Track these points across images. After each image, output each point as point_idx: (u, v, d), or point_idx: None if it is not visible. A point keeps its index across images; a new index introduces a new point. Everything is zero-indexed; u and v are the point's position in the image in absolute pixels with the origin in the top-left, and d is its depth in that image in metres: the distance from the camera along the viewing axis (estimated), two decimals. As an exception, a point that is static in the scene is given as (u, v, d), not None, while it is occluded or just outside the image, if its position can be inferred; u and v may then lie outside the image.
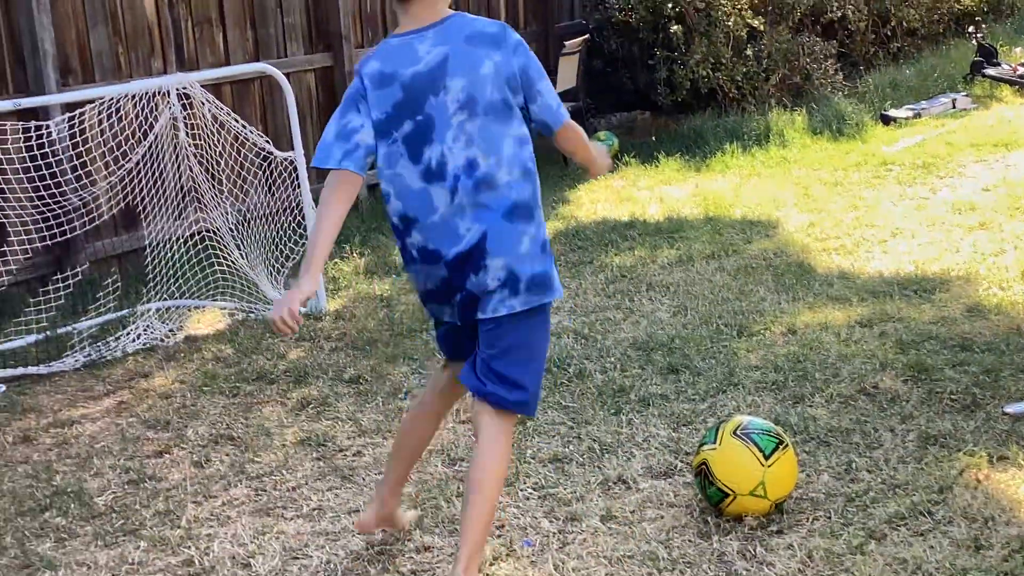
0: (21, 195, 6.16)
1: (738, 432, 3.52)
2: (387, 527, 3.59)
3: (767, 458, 3.45)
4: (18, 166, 6.16)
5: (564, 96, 9.88)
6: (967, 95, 11.63)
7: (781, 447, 3.49)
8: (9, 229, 6.04)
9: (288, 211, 6.50)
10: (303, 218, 6.29)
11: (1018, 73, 12.04)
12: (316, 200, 6.38)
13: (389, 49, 3.14)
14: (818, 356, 4.79)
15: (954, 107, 11.18)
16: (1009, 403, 4.15)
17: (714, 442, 3.53)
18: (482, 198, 3.10)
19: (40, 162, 6.09)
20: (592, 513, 3.63)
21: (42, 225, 6.09)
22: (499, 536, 3.53)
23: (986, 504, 3.44)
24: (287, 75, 6.70)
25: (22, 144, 6.08)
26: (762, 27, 10.72)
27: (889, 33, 13.15)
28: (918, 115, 10.85)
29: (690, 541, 3.41)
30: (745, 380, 4.61)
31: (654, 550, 3.35)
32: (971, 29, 13.52)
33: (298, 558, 3.52)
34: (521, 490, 3.84)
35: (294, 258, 6.41)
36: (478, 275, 3.08)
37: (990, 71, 12.13)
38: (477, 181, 3.09)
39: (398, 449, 3.55)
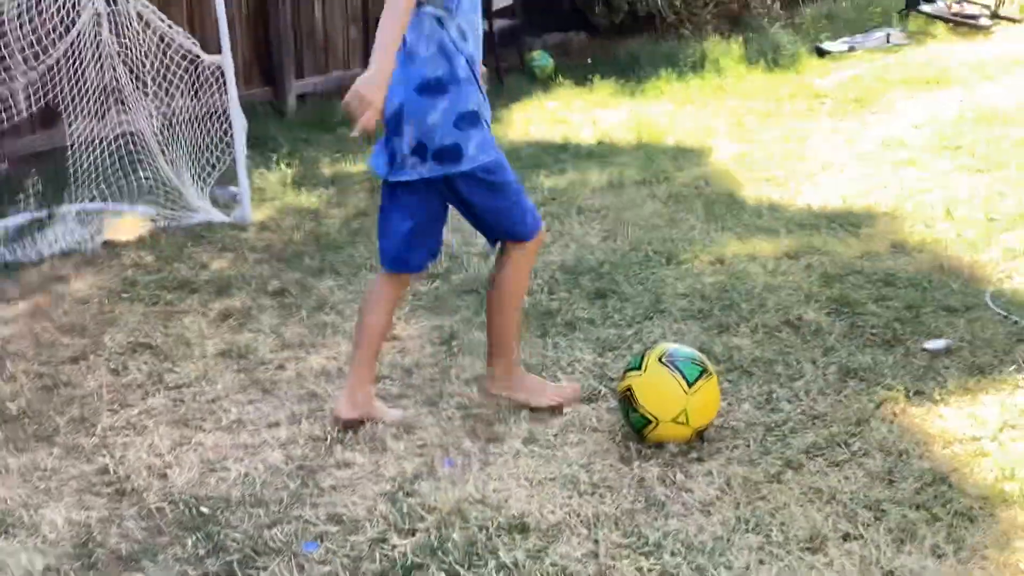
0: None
1: (663, 359, 3.53)
2: (368, 417, 3.69)
3: (690, 386, 3.47)
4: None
5: (500, 13, 9.87)
6: (902, 31, 11.71)
7: (705, 375, 3.51)
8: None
9: (214, 117, 6.38)
10: (230, 126, 6.17)
11: (952, 11, 12.13)
12: (245, 108, 6.32)
13: None
14: (744, 286, 4.82)
15: (888, 42, 11.25)
16: (928, 339, 4.21)
17: (639, 368, 3.54)
18: (402, 72, 3.44)
19: (-46, 56, 5.91)
20: (514, 435, 3.63)
21: (-43, 122, 5.93)
22: (420, 456, 3.53)
23: (901, 438, 3.50)
24: (216, -27, 6.54)
25: (-65, 35, 5.89)
26: (702, -48, 10.67)
27: (827, -37, 13.16)
28: (852, 49, 10.91)
29: (611, 466, 3.43)
30: (672, 307, 4.63)
31: (575, 474, 3.37)
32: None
33: (215, 470, 3.49)
34: (444, 410, 3.84)
35: (220, 166, 6.32)
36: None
37: (925, 7, 12.20)
38: (404, 55, 3.45)
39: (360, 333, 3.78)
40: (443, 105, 3.46)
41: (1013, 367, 3.95)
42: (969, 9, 12.33)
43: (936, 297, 4.60)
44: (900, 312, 4.47)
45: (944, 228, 5.46)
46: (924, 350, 4.14)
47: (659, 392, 3.48)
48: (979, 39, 11.38)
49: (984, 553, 2.89)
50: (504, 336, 3.84)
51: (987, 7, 12.37)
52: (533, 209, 3.79)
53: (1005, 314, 4.39)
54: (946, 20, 11.94)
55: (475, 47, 3.55)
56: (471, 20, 3.53)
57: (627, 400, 3.53)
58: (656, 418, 3.47)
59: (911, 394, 3.80)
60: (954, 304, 4.52)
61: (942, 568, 2.83)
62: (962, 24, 11.83)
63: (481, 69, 3.63)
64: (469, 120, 3.51)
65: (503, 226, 3.71)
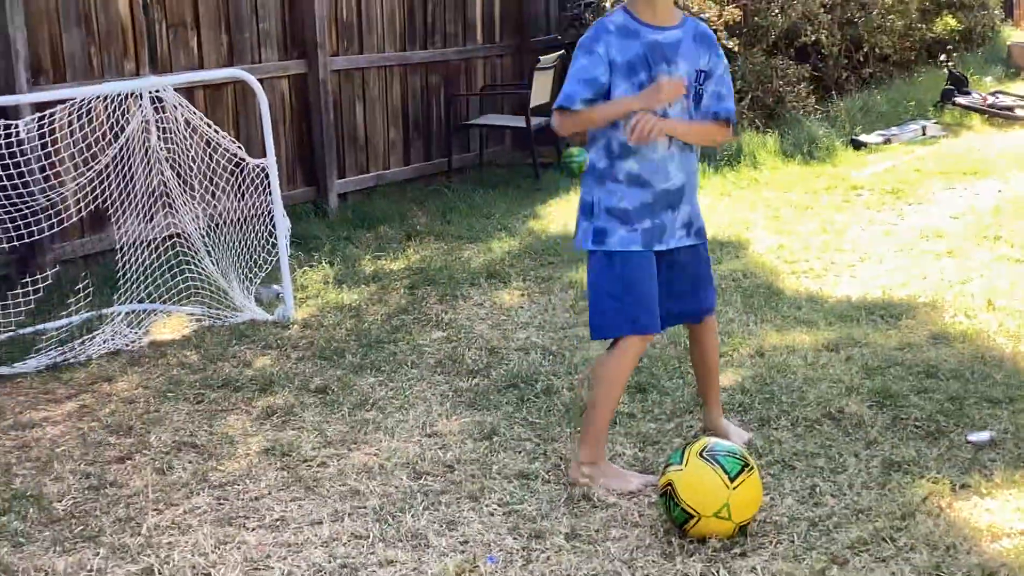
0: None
1: (704, 454, 3.52)
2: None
3: (732, 480, 3.45)
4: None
5: (538, 110, 9.97)
6: (937, 123, 11.74)
7: (746, 470, 3.50)
8: (-25, 229, 5.99)
9: (259, 218, 6.47)
10: (274, 226, 6.26)
11: (988, 103, 12.17)
12: (288, 209, 6.40)
13: None
14: (784, 379, 4.80)
15: (924, 134, 11.28)
16: (972, 431, 4.18)
17: (680, 463, 3.53)
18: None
19: (8, 161, 6.03)
20: (557, 531, 3.61)
21: (9, 225, 6.03)
22: (462, 552, 3.52)
23: (948, 532, 3.46)
24: (261, 81, 6.69)
25: (-9, 143, 6.03)
26: (737, 48, 10.77)
27: (862, 59, 13.26)
28: (888, 141, 10.95)
29: (654, 561, 3.40)
30: (712, 401, 4.62)
31: (618, 569, 3.35)
32: (943, 57, 13.67)
33: (259, 569, 3.49)
34: (486, 506, 3.83)
35: (265, 266, 6.39)
36: None
37: (960, 100, 12.25)
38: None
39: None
40: None
41: (1059, 458, 3.91)
42: (1004, 100, 12.37)
43: (979, 388, 4.56)
44: (943, 404, 4.43)
45: (985, 319, 5.43)
46: (968, 442, 4.10)
47: (701, 486, 3.46)
48: (1015, 129, 11.40)
49: (1035, 650, 2.84)
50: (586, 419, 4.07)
51: (1022, 98, 12.41)
52: (610, 315, 3.96)
53: (1049, 405, 4.35)
54: (981, 112, 11.98)
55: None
56: None
57: (669, 495, 3.51)
58: (698, 513, 3.45)
59: (956, 487, 3.76)
60: (997, 395, 4.48)
61: (992, 665, 2.79)
62: (997, 115, 11.86)
63: None
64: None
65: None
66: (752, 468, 3.52)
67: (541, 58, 10.08)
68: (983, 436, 4.12)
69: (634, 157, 3.83)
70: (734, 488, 3.44)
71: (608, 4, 10.69)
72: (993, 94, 12.66)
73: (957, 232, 7.14)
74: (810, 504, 3.72)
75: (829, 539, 3.47)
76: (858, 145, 10.73)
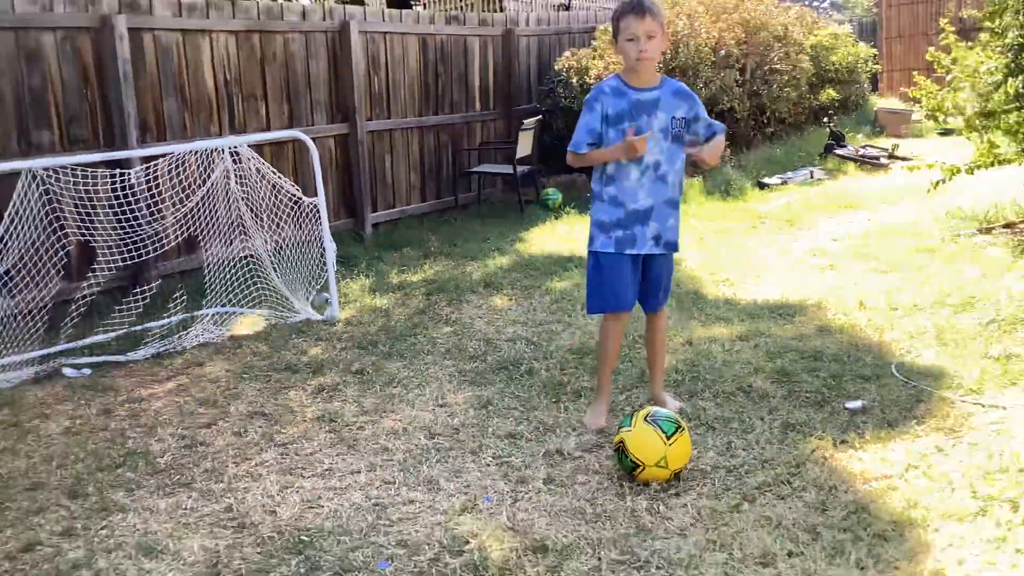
0: (107, 226, 6.10)
1: (647, 418, 3.52)
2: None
3: (668, 438, 3.45)
4: (106, 203, 6.11)
5: (521, 161, 9.96)
6: (822, 168, 11.78)
7: (679, 430, 3.50)
8: (98, 251, 5.97)
9: (312, 242, 6.46)
10: (323, 249, 6.25)
11: (859, 153, 12.21)
12: (333, 236, 6.40)
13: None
14: (708, 362, 4.80)
15: (812, 177, 11.31)
16: (849, 400, 4.18)
17: (629, 425, 3.53)
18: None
19: (123, 200, 6.04)
20: (537, 477, 3.61)
21: (123, 248, 6.03)
22: (466, 494, 3.51)
23: (830, 477, 3.46)
24: (313, 139, 6.68)
25: (109, 186, 6.03)
26: (671, 113, 10.77)
27: (765, 120, 13.29)
28: (785, 182, 10.97)
29: (610, 500, 3.40)
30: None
31: (583, 506, 3.35)
32: (825, 119, 13.71)
33: (313, 508, 3.48)
34: (484, 459, 3.82)
35: (319, 279, 6.38)
36: None
37: (839, 151, 12.30)
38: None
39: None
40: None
41: (914, 421, 3.91)
42: (872, 152, 12.41)
43: (854, 368, 4.57)
44: (827, 380, 4.44)
45: (858, 316, 5.44)
46: (846, 409, 4.10)
47: (645, 443, 3.46)
48: (880, 174, 11.43)
49: (896, 565, 2.84)
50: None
51: (885, 150, 12.45)
52: (593, 297, 4.06)
53: (906, 380, 4.35)
54: (855, 160, 12.01)
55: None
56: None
57: (621, 449, 3.51)
58: (643, 463, 3.45)
59: (837, 443, 3.76)
60: (867, 373, 4.49)
61: (864, 577, 2.79)
62: (867, 163, 11.89)
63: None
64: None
65: None
66: (684, 429, 3.52)
67: (524, 121, 10.08)
68: (857, 404, 4.13)
69: (614, 184, 3.91)
70: (670, 444, 3.44)
71: (574, 81, 10.70)
72: (863, 147, 12.70)
73: (837, 251, 7.15)
74: (727, 456, 3.72)
75: (741, 482, 3.48)
76: (762, 186, 10.75)
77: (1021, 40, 7.10)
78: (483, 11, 14.74)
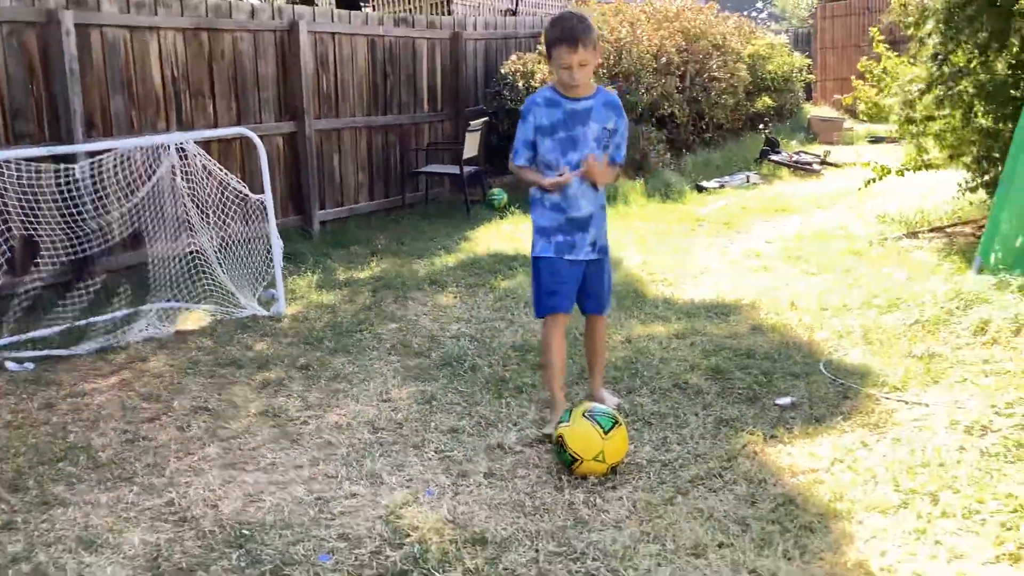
0: (52, 220, 5.96)
1: (585, 414, 3.53)
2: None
3: (606, 433, 3.46)
4: (50, 199, 5.96)
5: (468, 162, 9.94)
6: (757, 173, 11.94)
7: (616, 425, 3.51)
8: (42, 246, 5.83)
9: (259, 239, 6.38)
10: (270, 245, 6.17)
11: (793, 159, 12.39)
12: (281, 233, 6.32)
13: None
14: (645, 359, 4.83)
15: (748, 181, 11.46)
16: (779, 397, 4.23)
17: (568, 421, 3.53)
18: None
19: (68, 196, 5.90)
20: (478, 471, 3.60)
21: (68, 244, 5.89)
22: (408, 487, 3.49)
23: (760, 470, 3.50)
24: (261, 137, 6.59)
25: (54, 181, 5.89)
26: (614, 118, 10.84)
27: (704, 126, 13.44)
28: (722, 186, 11.10)
29: (549, 493, 3.40)
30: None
31: (522, 500, 3.34)
32: (761, 126, 13.90)
33: (255, 501, 3.43)
34: (426, 453, 3.80)
35: (265, 275, 6.31)
36: None
37: (774, 157, 12.48)
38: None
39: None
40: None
41: (840, 417, 3.97)
42: (805, 158, 12.61)
43: (784, 366, 4.62)
44: (758, 377, 4.48)
45: (789, 315, 5.51)
46: (776, 405, 4.15)
47: (583, 438, 3.47)
48: (812, 179, 11.62)
49: (822, 555, 2.88)
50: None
51: (817, 156, 12.66)
52: (539, 302, 3.99)
53: (834, 378, 4.42)
54: (788, 166, 12.19)
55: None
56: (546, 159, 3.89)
57: (560, 444, 3.52)
58: (581, 457, 3.46)
59: (767, 437, 3.80)
60: (797, 371, 4.54)
61: (791, 567, 2.82)
62: (800, 169, 12.08)
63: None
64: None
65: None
66: (620, 425, 3.53)
67: (471, 123, 10.06)
68: (787, 400, 4.18)
69: (555, 192, 3.88)
70: (607, 439, 3.45)
71: (520, 84, 10.71)
72: (797, 153, 12.90)
73: (770, 253, 7.24)
74: (662, 450, 3.74)
75: (676, 476, 3.50)
76: (701, 189, 10.86)
77: (942, 49, 7.26)
78: (431, 14, 14.68)
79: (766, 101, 15.10)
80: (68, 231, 5.90)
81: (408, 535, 3.09)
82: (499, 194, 10.30)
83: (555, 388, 3.99)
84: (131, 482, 3.63)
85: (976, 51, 7.08)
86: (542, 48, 11.17)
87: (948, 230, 7.64)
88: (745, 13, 18.44)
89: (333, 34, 9.06)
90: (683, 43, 12.40)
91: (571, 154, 3.82)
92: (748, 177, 11.54)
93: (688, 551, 2.93)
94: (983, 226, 7.07)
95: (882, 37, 8.56)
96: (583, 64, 3.72)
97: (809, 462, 3.54)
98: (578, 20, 3.71)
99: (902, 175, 8.01)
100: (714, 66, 12.97)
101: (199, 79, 7.65)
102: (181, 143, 5.89)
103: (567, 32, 3.69)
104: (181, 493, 3.51)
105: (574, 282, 3.96)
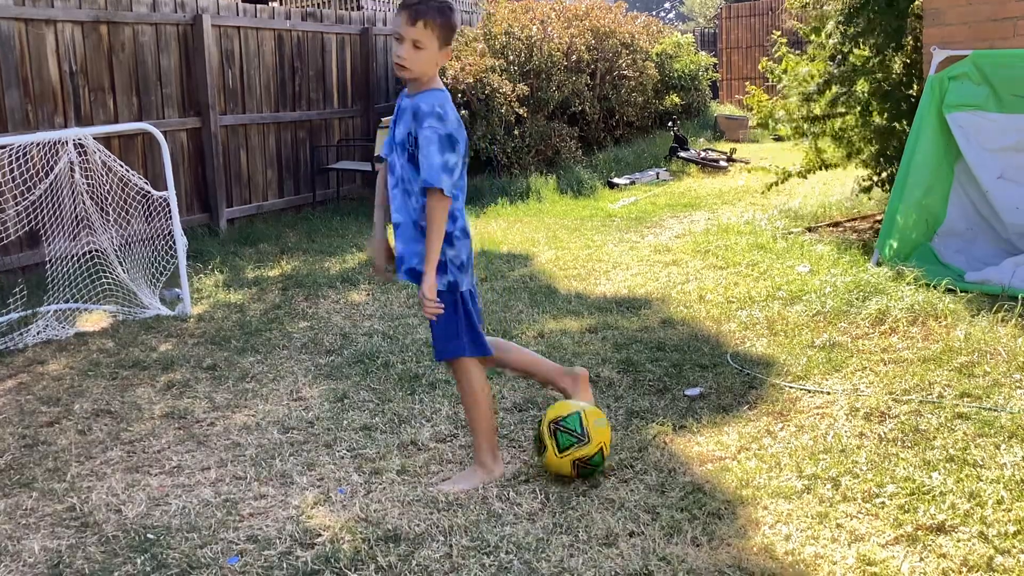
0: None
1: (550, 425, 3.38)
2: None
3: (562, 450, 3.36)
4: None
5: (380, 159, 9.84)
6: (667, 170, 12.13)
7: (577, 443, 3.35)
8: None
9: (163, 237, 6.22)
10: (174, 243, 6.02)
11: (701, 156, 12.63)
12: (187, 231, 6.17)
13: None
14: (559, 353, 4.86)
15: (658, 178, 11.63)
16: (688, 388, 4.31)
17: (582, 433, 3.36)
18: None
19: (-42, 192, 5.65)
20: (391, 468, 3.57)
21: (-42, 242, 5.66)
22: (319, 487, 3.45)
23: (670, 460, 3.55)
24: (164, 133, 6.44)
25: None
26: (525, 114, 10.90)
27: (615, 123, 13.60)
28: (633, 182, 11.25)
29: (462, 488, 3.39)
30: (506, 370, 4.62)
31: (435, 496, 3.33)
32: (670, 124, 14.13)
33: (160, 505, 3.34)
34: (338, 451, 3.76)
35: (167, 273, 6.15)
36: None
37: (682, 154, 12.69)
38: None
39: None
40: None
41: (746, 406, 4.06)
42: (712, 155, 12.86)
43: (693, 357, 4.70)
44: (668, 369, 4.55)
45: (698, 308, 5.61)
46: (685, 396, 4.22)
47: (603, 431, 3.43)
48: (719, 176, 11.85)
49: (729, 541, 2.94)
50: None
51: (724, 154, 12.93)
52: (477, 342, 3.40)
53: (740, 369, 4.52)
54: (697, 163, 12.42)
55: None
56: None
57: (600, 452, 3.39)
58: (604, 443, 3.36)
59: (677, 428, 3.86)
60: (705, 362, 4.63)
61: (700, 553, 2.87)
62: (708, 166, 12.32)
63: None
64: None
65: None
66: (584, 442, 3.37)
67: (382, 119, 9.99)
68: (695, 391, 4.25)
69: (461, 216, 3.33)
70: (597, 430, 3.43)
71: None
72: (705, 151, 13.15)
73: (679, 248, 7.36)
74: (575, 443, 3.76)
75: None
76: (612, 185, 10.99)
77: (841, 49, 7.49)
78: (340, 9, 14.50)
79: (674, 99, 15.35)
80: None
81: (319, 535, 3.06)
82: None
83: (493, 422, 3.51)
84: (30, 488, 3.51)
85: (874, 51, 7.33)
86: (453, 45, 11.15)
87: (847, 224, 7.89)
88: (653, 13, 18.71)
89: (239, 28, 8.89)
90: (593, 41, 12.53)
91: (391, 154, 3.34)
92: (658, 174, 11.72)
93: (600, 541, 2.97)
94: (880, 220, 7.32)
95: (784, 39, 8.79)
96: (418, 45, 3.14)
97: (717, 450, 3.62)
98: None
99: (804, 178, 8.25)
100: (623, 64, 13.13)
101: (99, 73, 7.42)
102: (79, 139, 5.70)
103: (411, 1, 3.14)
104: (83, 498, 3.40)
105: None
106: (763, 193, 8.36)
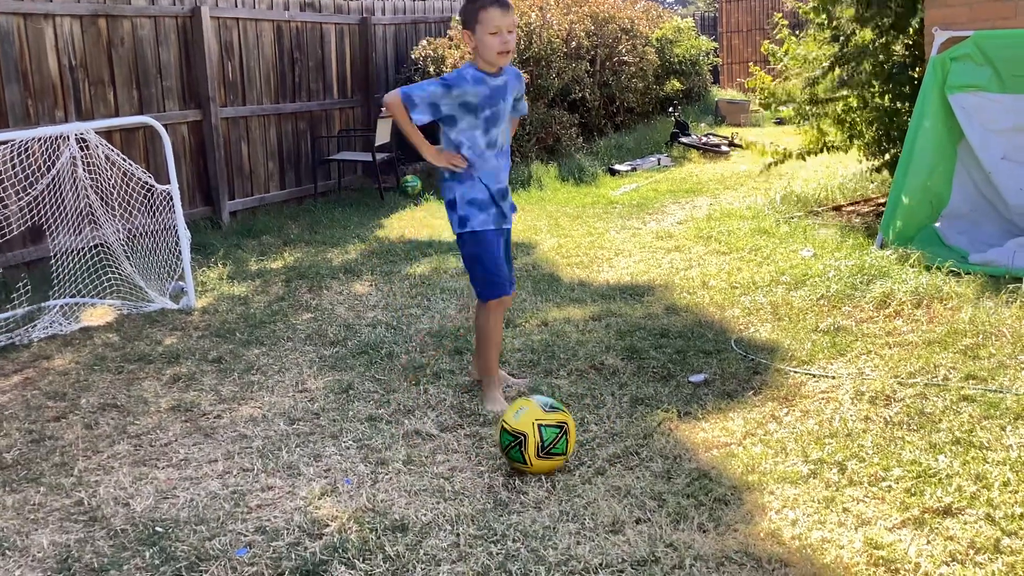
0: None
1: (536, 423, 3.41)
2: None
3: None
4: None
5: (381, 149, 9.84)
6: (668, 156, 12.10)
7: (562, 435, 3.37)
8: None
9: (165, 231, 6.22)
10: (178, 237, 6.02)
11: (702, 142, 12.60)
12: (190, 224, 6.17)
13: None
14: (562, 341, 4.86)
15: (659, 164, 11.61)
16: (692, 374, 4.30)
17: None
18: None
19: (-40, 188, 5.66)
20: (397, 459, 3.58)
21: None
22: (326, 478, 3.45)
23: (675, 447, 3.56)
24: (165, 126, 6.43)
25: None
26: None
27: (615, 110, 13.56)
28: (634, 169, 11.23)
29: (468, 478, 3.40)
30: (511, 359, 4.64)
31: (441, 485, 3.34)
32: (671, 109, 14.09)
33: (168, 498, 3.35)
34: (344, 442, 3.77)
35: (171, 267, 6.15)
36: None
37: (684, 140, 12.66)
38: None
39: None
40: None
41: (751, 392, 4.06)
42: (713, 140, 12.82)
43: (697, 344, 4.70)
44: (672, 355, 4.55)
45: (701, 294, 5.60)
46: (689, 382, 4.22)
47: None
48: (721, 161, 11.83)
49: (736, 527, 2.95)
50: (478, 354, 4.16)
51: (726, 139, 12.89)
52: (490, 281, 3.94)
53: (744, 354, 4.52)
54: (698, 148, 12.39)
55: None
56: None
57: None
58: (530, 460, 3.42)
59: (681, 414, 3.86)
60: (709, 348, 4.62)
61: (707, 540, 2.87)
62: (709, 151, 12.29)
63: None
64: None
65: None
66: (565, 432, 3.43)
67: (383, 109, 9.97)
68: (699, 377, 4.25)
69: (475, 167, 3.92)
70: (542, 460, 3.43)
71: (431, 70, 10.64)
72: (706, 136, 13.12)
73: (682, 234, 7.36)
74: (580, 431, 3.76)
75: (594, 455, 3.53)
76: (613, 172, 10.97)
77: (844, 30, 7.45)
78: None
79: (675, 84, 15.31)
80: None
81: (327, 525, 3.06)
82: (413, 181, 10.24)
83: (496, 360, 4.09)
84: (38, 483, 3.52)
85: (877, 33, 7.29)
86: (453, 33, 11.11)
87: (850, 208, 7.87)
88: (653, -2, 18.60)
89: (237, 19, 8.87)
90: (592, 27, 12.48)
91: (492, 131, 3.89)
92: (659, 160, 11.69)
93: (606, 528, 2.97)
94: (883, 203, 7.31)
95: (786, 21, 8.75)
96: (510, 30, 3.78)
97: (722, 436, 3.62)
98: None
99: (804, 160, 8.23)
100: (623, 50, 13.08)
101: (98, 67, 7.40)
102: (80, 133, 5.70)
103: None
104: (91, 492, 3.41)
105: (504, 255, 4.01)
106: (760, 173, 8.33)
